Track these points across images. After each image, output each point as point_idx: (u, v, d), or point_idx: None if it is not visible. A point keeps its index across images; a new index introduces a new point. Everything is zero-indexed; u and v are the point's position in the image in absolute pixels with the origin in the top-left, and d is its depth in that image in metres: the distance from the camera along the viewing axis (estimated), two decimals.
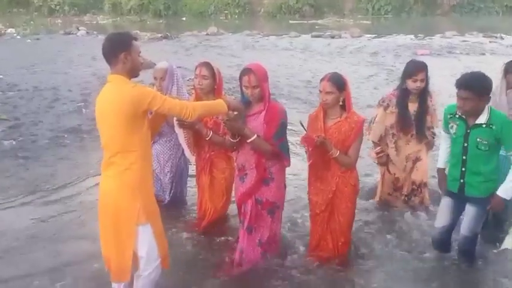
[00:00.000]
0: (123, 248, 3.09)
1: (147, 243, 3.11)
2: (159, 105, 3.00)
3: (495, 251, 4.13)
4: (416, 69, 4.43)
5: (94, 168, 6.20)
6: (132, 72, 3.08)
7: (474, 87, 3.47)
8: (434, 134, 4.76)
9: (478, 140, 3.58)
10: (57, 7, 36.30)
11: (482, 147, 3.58)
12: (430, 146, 4.80)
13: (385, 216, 4.80)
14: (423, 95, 4.50)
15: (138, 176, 3.05)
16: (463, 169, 3.71)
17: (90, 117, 8.64)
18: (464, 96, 3.50)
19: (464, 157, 3.69)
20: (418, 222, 4.64)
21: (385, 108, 4.62)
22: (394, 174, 4.78)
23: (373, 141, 4.77)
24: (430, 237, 4.16)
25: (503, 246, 4.18)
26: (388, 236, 4.45)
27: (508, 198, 3.58)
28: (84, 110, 9.17)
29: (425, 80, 4.44)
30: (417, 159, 4.71)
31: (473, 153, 3.64)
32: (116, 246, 3.09)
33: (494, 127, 3.53)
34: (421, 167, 4.72)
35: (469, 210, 3.78)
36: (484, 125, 3.57)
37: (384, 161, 4.74)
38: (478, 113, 3.57)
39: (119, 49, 3.01)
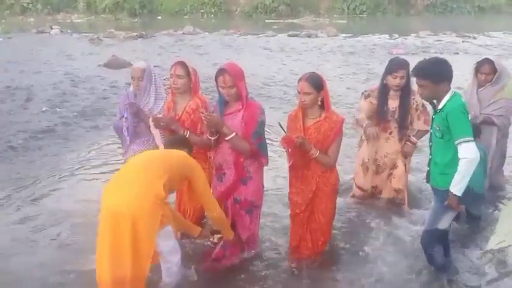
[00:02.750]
0: (143, 260, 3.16)
1: (172, 239, 3.44)
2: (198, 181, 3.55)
3: (481, 250, 4.05)
4: (397, 66, 4.49)
5: (69, 170, 6.11)
6: None
7: (430, 75, 3.39)
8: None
9: (435, 126, 3.51)
10: (30, 5, 35.64)
11: (437, 134, 3.47)
12: (407, 153, 4.72)
13: (363, 214, 4.81)
14: (403, 92, 4.55)
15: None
16: (430, 157, 3.68)
17: (65, 118, 8.52)
18: (420, 84, 3.46)
19: (430, 143, 3.67)
20: (396, 221, 4.66)
21: (366, 97, 4.72)
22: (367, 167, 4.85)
23: (361, 126, 4.72)
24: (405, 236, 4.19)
25: (488, 247, 4.08)
26: (366, 235, 4.46)
27: (459, 194, 3.35)
28: (58, 110, 9.01)
29: (406, 78, 4.48)
30: (393, 167, 4.77)
31: (434, 140, 3.58)
32: (135, 261, 3.12)
33: (443, 113, 3.42)
34: (397, 174, 4.77)
35: (432, 205, 3.76)
36: (438, 111, 3.48)
37: (373, 131, 4.64)
38: (439, 99, 3.47)
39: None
